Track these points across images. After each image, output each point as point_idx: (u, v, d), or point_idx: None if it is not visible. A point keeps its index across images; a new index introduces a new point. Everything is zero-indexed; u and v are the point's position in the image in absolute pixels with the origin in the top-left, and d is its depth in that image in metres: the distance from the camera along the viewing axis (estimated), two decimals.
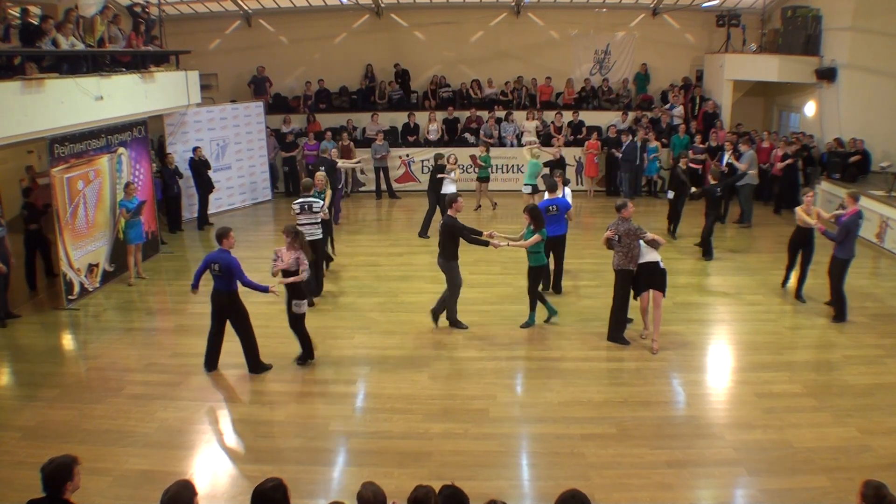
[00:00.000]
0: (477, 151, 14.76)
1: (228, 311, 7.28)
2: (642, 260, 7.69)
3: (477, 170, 14.73)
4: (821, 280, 9.05)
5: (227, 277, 7.12)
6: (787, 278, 9.63)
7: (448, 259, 8.23)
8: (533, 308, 8.44)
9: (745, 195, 13.06)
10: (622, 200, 7.96)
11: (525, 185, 13.01)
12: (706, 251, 11.11)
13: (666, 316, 8.39)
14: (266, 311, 8.39)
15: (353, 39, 17.43)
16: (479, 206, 14.62)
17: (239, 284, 7.19)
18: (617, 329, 8.06)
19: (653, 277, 7.67)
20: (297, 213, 9.21)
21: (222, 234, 7.24)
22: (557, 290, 9.66)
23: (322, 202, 9.44)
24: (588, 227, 13.62)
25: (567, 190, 9.99)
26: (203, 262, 7.25)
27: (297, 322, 7.47)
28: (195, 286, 7.37)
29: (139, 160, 11.39)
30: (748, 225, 13.05)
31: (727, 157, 13.70)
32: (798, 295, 9.23)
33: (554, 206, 9.16)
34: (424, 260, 11.42)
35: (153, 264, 11.43)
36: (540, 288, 8.62)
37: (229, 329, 7.40)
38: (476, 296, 9.30)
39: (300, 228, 7.88)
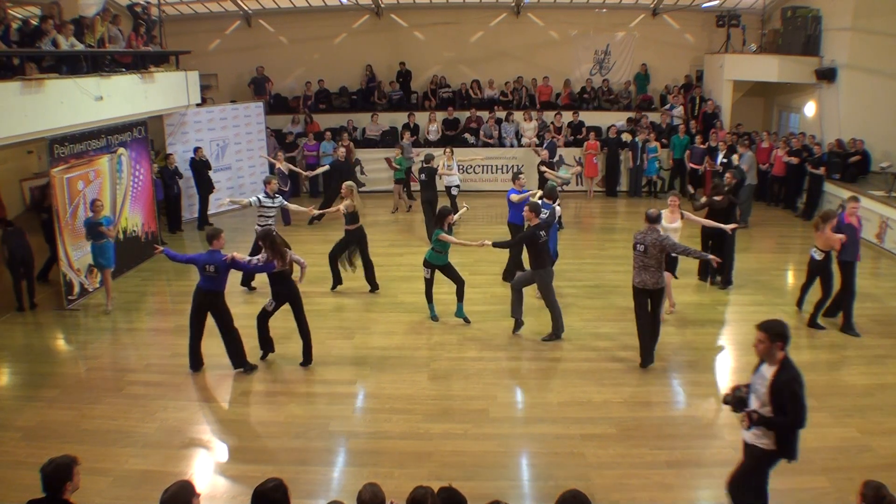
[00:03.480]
0: (392, 154, 14.62)
1: (215, 310, 7.29)
2: None
3: (393, 172, 14.65)
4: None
5: (221, 278, 7.16)
6: (813, 310, 8.54)
7: (535, 268, 7.87)
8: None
9: (745, 196, 13.04)
10: (657, 212, 7.46)
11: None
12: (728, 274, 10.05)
13: (665, 317, 8.41)
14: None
15: (353, 39, 17.43)
16: (397, 208, 14.75)
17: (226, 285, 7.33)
18: (646, 355, 7.38)
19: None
20: None
21: (214, 236, 7.25)
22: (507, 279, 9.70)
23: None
24: (588, 228, 13.63)
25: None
26: (194, 259, 7.21)
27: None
28: (172, 256, 7.43)
29: (139, 160, 11.40)
30: (745, 225, 13.02)
31: (720, 157, 13.75)
32: (821, 316, 8.47)
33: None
34: None
35: (153, 264, 11.43)
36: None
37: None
38: (476, 296, 9.30)
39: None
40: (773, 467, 4.52)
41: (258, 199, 9.43)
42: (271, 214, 9.52)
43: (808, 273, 8.57)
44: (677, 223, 8.62)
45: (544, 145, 14.60)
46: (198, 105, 13.68)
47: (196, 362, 7.47)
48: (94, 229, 9.11)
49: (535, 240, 7.75)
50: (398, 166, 14.28)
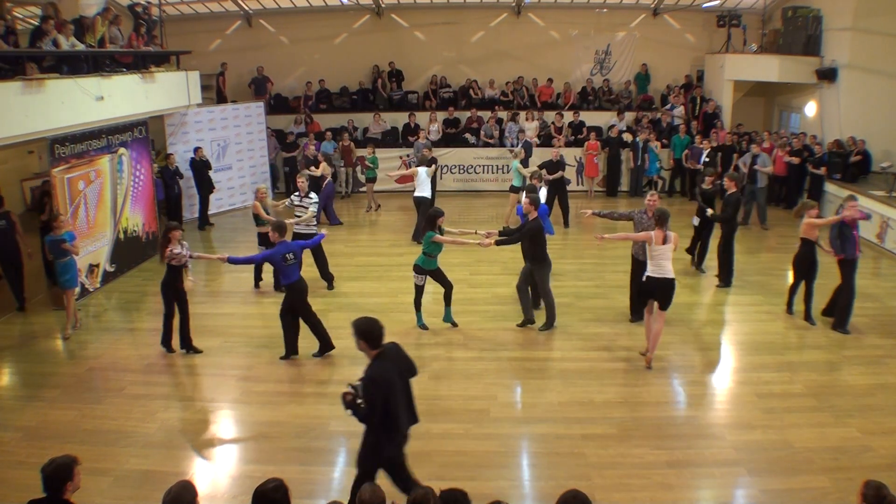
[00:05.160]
0: (365, 152, 14.73)
1: (305, 297, 7.49)
2: (660, 275, 7.15)
3: (365, 171, 14.80)
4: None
5: (299, 261, 7.40)
6: (791, 302, 8.79)
7: (537, 260, 8.17)
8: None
9: (760, 198, 13.04)
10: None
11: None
12: (726, 274, 9.97)
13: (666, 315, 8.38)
14: (271, 312, 8.38)
15: (353, 40, 17.44)
16: (373, 206, 14.80)
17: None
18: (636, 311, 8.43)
19: (666, 292, 7.22)
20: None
21: (284, 227, 7.39)
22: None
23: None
24: (588, 228, 13.62)
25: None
26: (270, 257, 7.31)
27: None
28: (235, 261, 7.45)
29: (140, 160, 11.40)
30: (744, 225, 13.02)
31: (704, 157, 13.82)
32: (808, 317, 8.54)
33: None
34: None
35: (153, 264, 11.41)
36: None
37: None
38: (476, 296, 9.31)
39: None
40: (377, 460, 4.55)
41: (290, 200, 9.76)
42: (300, 214, 9.57)
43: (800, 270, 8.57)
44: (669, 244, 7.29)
45: (520, 145, 14.71)
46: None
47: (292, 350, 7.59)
48: (56, 247, 8.27)
49: (538, 232, 7.92)
50: (371, 165, 14.40)
